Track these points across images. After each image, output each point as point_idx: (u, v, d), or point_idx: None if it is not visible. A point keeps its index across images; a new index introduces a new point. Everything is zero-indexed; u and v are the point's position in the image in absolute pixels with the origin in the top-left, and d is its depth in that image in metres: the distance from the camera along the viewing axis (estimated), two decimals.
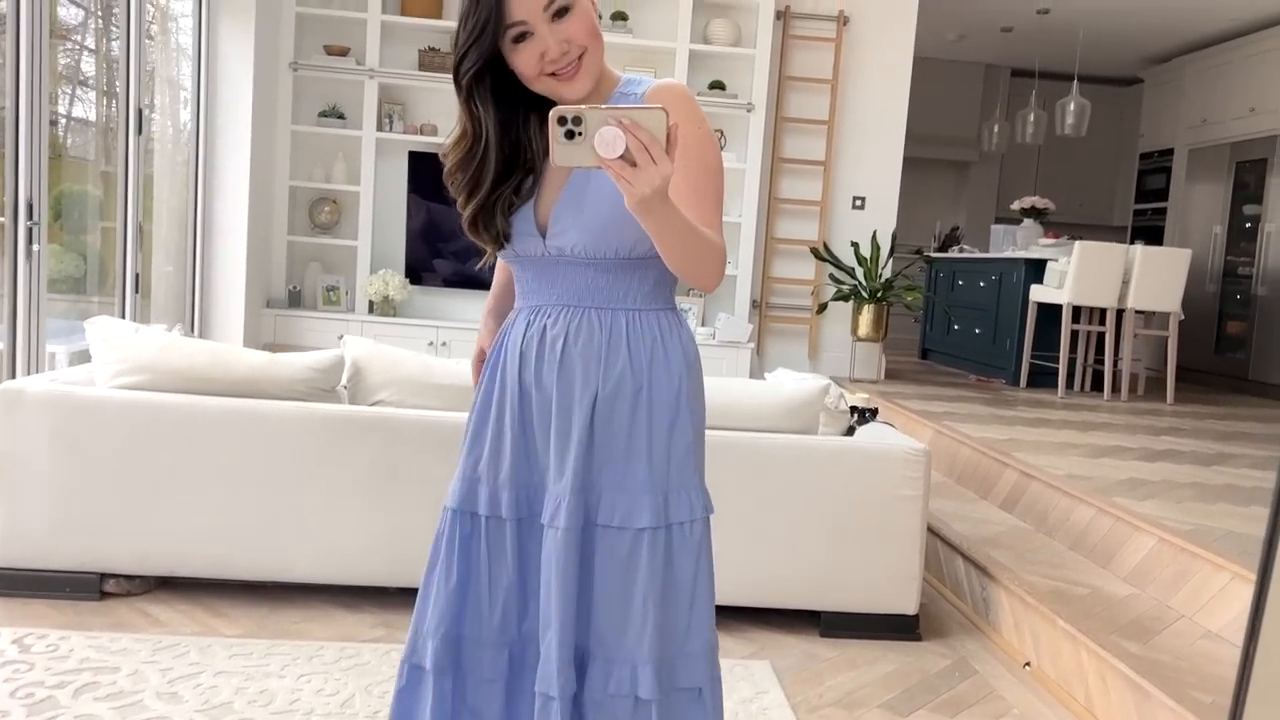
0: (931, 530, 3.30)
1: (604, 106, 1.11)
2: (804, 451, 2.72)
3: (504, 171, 1.29)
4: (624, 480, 1.29)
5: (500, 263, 1.51)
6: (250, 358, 2.74)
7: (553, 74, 1.23)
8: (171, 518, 2.63)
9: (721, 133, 5.99)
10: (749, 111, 5.87)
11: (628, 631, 1.28)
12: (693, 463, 1.33)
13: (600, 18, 1.32)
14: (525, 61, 1.23)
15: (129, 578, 2.68)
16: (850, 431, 2.97)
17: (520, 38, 1.22)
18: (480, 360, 1.50)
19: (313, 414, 2.65)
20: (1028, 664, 2.62)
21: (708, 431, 2.67)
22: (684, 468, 1.32)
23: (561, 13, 1.22)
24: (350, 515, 2.65)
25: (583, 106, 1.09)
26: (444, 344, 5.63)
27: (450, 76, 1.29)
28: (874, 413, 3.12)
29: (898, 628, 2.75)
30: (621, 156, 1.07)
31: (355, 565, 2.69)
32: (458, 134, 1.32)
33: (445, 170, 1.33)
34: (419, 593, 1.40)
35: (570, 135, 1.08)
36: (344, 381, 2.80)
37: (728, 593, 2.71)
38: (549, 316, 1.32)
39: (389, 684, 2.25)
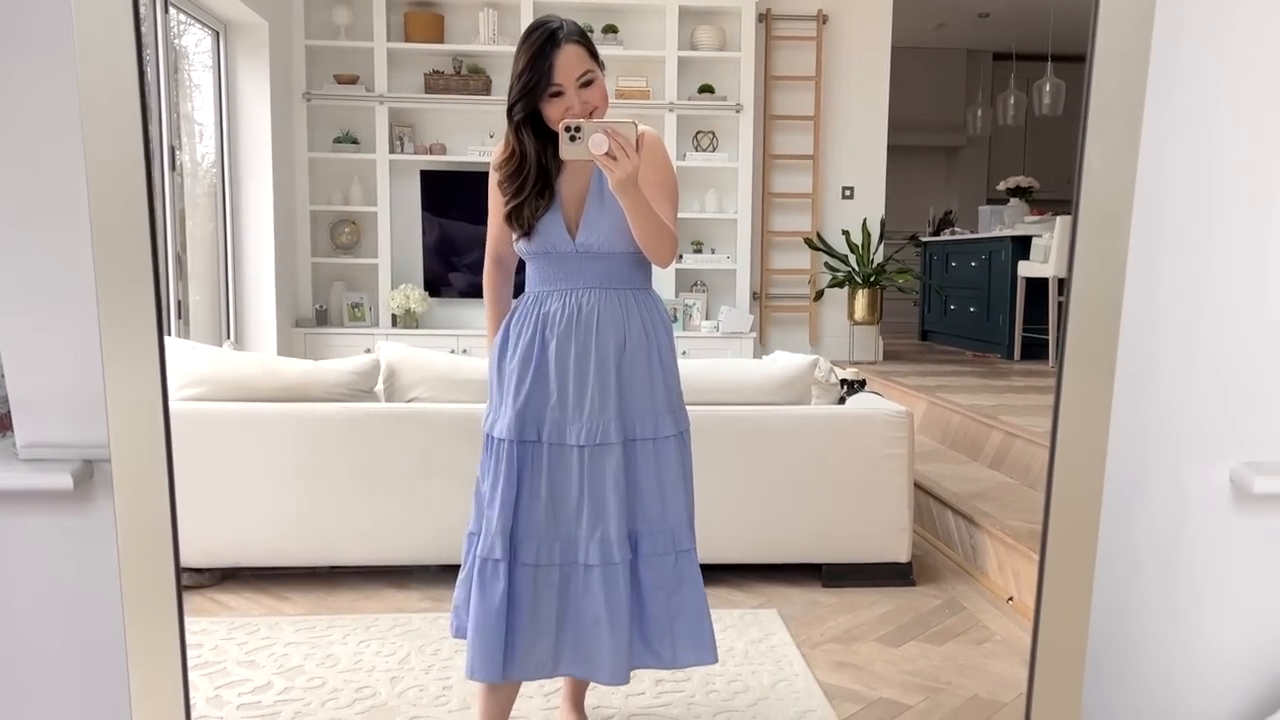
0: (925, 489, 3.58)
1: (594, 121, 1.65)
2: (798, 420, 3.01)
3: (535, 179, 1.81)
4: (651, 405, 1.84)
5: (490, 285, 1.99)
6: (295, 366, 3.05)
7: None
8: (234, 514, 2.94)
9: (714, 134, 6.29)
10: (738, 112, 6.16)
11: (667, 508, 1.84)
12: (680, 390, 1.91)
13: (603, 67, 1.81)
14: (556, 110, 1.75)
15: (199, 571, 2.98)
16: (842, 402, 3.26)
17: (556, 94, 1.73)
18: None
19: (355, 413, 2.95)
20: (1010, 599, 2.90)
21: (711, 407, 2.99)
22: (679, 394, 1.91)
23: (587, 84, 1.75)
24: (393, 501, 2.95)
25: (581, 120, 1.64)
26: (464, 351, 5.93)
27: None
28: (862, 384, 3.41)
29: (893, 575, 3.04)
30: (606, 153, 1.60)
31: (401, 546, 2.99)
32: (506, 153, 1.83)
33: (497, 180, 1.85)
34: (483, 503, 1.84)
35: (573, 138, 1.62)
36: (380, 383, 3.11)
37: (737, 551, 3.02)
38: (581, 296, 1.82)
39: (440, 644, 2.55)
